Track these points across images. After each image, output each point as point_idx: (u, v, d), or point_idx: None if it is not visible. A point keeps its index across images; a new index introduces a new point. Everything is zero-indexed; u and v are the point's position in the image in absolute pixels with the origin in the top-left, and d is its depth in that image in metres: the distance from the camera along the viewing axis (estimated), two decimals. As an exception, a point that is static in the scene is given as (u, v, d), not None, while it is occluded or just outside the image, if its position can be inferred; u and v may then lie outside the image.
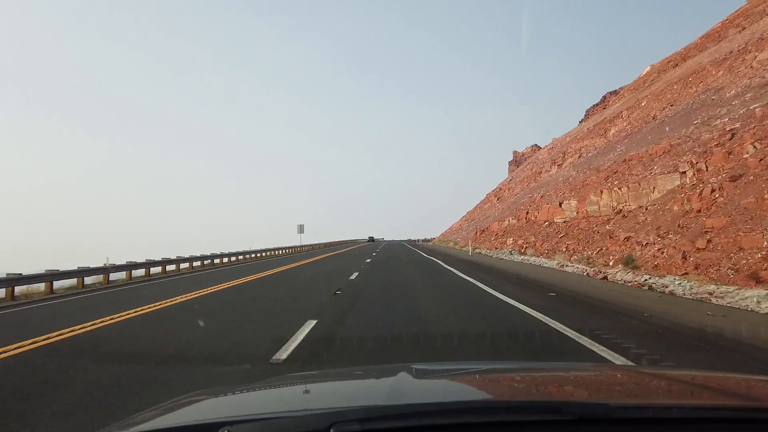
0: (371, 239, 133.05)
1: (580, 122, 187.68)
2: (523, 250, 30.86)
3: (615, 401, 1.54)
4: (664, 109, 37.82)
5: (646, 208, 21.31)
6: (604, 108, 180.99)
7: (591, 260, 19.36)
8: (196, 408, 1.77)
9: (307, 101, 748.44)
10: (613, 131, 46.64)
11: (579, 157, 47.92)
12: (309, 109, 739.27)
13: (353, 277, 18.41)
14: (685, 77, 39.99)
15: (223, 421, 1.24)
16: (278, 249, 46.77)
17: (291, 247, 50.36)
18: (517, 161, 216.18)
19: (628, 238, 18.82)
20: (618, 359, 5.64)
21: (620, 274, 15.36)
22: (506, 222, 43.63)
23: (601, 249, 20.28)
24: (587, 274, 16.73)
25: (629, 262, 16.07)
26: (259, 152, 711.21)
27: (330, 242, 79.73)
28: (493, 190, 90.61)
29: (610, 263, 17.75)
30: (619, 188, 24.88)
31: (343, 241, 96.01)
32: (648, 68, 73.77)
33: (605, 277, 15.29)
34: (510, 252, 32.04)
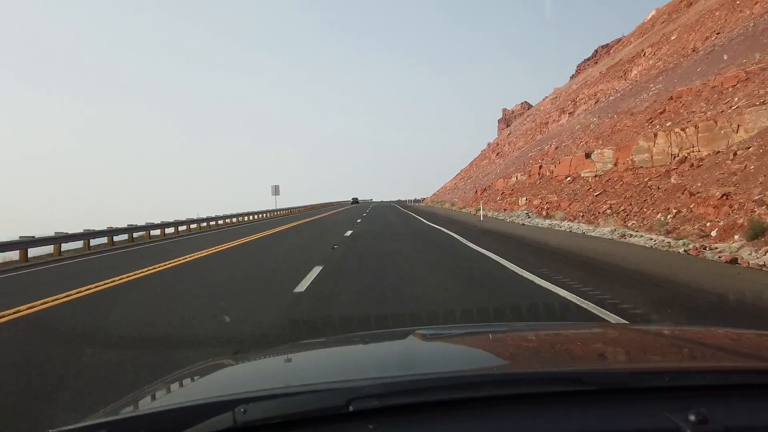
0: (355, 201, 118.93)
1: (571, 77, 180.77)
2: (546, 213, 24.85)
3: (633, 367, 1.57)
4: (707, 38, 31.37)
5: (735, 154, 15.26)
6: (595, 62, 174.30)
7: (674, 229, 13.32)
8: (211, 381, 1.76)
9: (288, 60, 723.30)
10: (636, 71, 40.19)
11: (596, 102, 41.55)
12: (291, 69, 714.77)
13: (309, 278, 9.05)
14: (728, 2, 33.43)
15: (238, 399, 1.21)
16: (240, 215, 39.08)
17: (263, 212, 43.88)
18: (506, 119, 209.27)
19: (727, 196, 12.79)
20: None
21: (753, 253, 9.40)
22: (513, 179, 37.56)
23: (679, 211, 14.25)
24: (686, 251, 10.72)
25: (759, 233, 10.08)
26: (236, 113, 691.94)
27: (311, 205, 72.85)
28: (490, 145, 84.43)
29: (712, 233, 11.74)
30: (682, 129, 18.73)
31: (324, 204, 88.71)
32: (653, 12, 68.91)
33: (734, 259, 9.29)
34: (527, 215, 26.04)
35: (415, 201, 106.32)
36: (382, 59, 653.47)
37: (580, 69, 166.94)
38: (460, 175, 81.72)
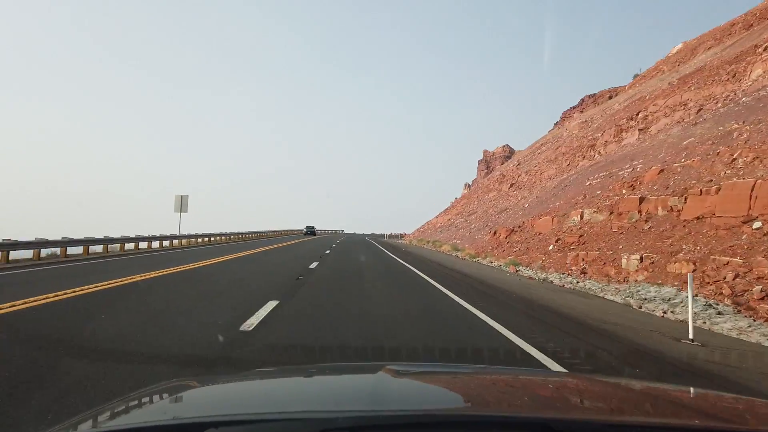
0: (310, 231, 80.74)
1: (555, 124, 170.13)
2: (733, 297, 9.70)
3: (603, 419, 1.57)
4: None
5: None
6: (582, 111, 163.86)
7: None
8: (179, 401, 1.71)
9: (273, 92, 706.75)
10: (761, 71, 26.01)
11: (698, 111, 27.10)
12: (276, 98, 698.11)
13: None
14: None
15: (208, 422, 1.21)
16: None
17: (159, 238, 27.70)
18: (486, 160, 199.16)
19: None
20: None
21: None
22: (575, 218, 22.63)
23: None
24: None
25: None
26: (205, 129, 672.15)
27: (237, 234, 47.38)
28: (493, 176, 70.19)
29: None
30: None
31: (271, 232, 63.86)
32: (681, 45, 60.45)
33: None
34: (660, 293, 10.83)
35: (397, 237, 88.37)
36: (359, 86, 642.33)
37: (564, 116, 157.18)
38: (454, 209, 66.60)
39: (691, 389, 2.35)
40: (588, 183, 27.48)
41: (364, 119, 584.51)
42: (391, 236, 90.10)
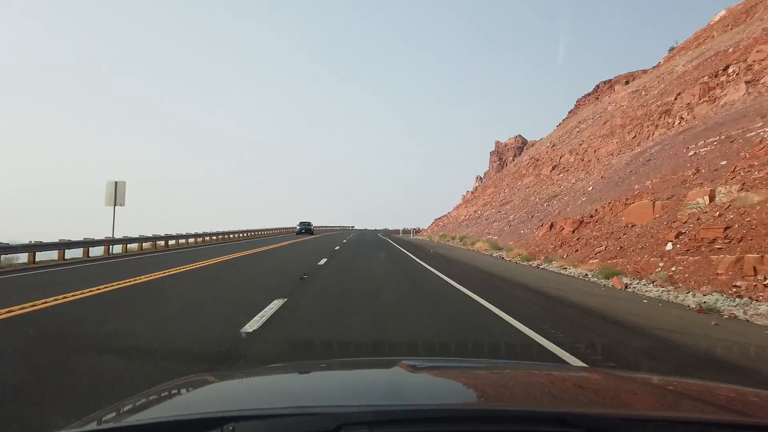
0: (306, 229, 64.53)
1: (569, 112, 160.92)
2: None
3: (619, 413, 1.53)
4: None
5: None
6: (597, 98, 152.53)
7: None
8: (197, 396, 1.72)
9: (272, 79, 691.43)
10: None
11: None
12: (269, 86, 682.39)
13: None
14: None
15: (227, 416, 1.21)
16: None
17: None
18: (499, 152, 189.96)
19: None
20: None
21: None
22: (699, 202, 14.70)
23: None
24: None
25: None
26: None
27: (226, 232, 39.55)
28: (521, 161, 62.23)
29: None
30: None
31: (263, 231, 53.30)
32: (723, 12, 53.42)
33: None
34: None
35: (413, 232, 79.02)
36: (362, 80, 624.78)
37: (579, 103, 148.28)
38: (479, 200, 58.05)
39: (712, 383, 2.34)
40: (691, 153, 19.43)
41: (369, 113, 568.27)
42: (407, 231, 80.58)
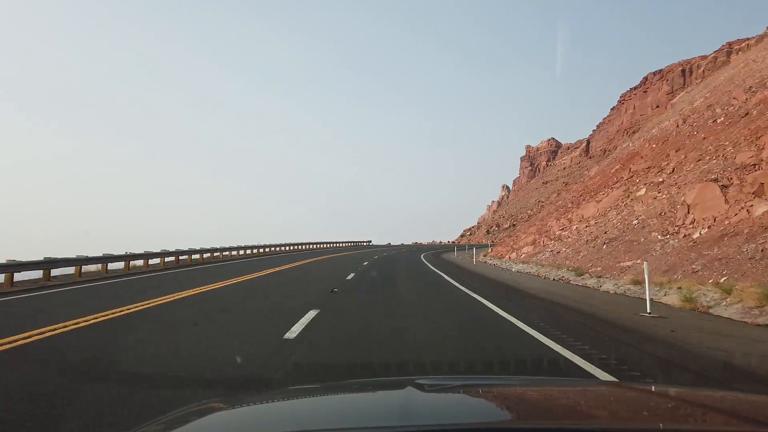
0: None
1: (612, 109, 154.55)
2: None
3: (628, 426, 1.53)
4: None
5: None
6: (645, 91, 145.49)
7: None
8: (206, 424, 1.71)
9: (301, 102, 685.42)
10: None
11: None
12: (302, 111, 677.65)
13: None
14: None
15: None
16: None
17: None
18: (530, 156, 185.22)
19: None
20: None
21: None
22: None
23: None
24: None
25: None
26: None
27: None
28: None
29: None
30: None
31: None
32: None
33: None
34: None
35: (468, 251, 49.65)
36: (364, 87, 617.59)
37: (624, 98, 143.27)
38: (606, 201, 31.14)
39: (742, 394, 2.36)
40: None
41: (382, 118, 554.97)
42: (459, 248, 57.31)
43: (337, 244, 72.39)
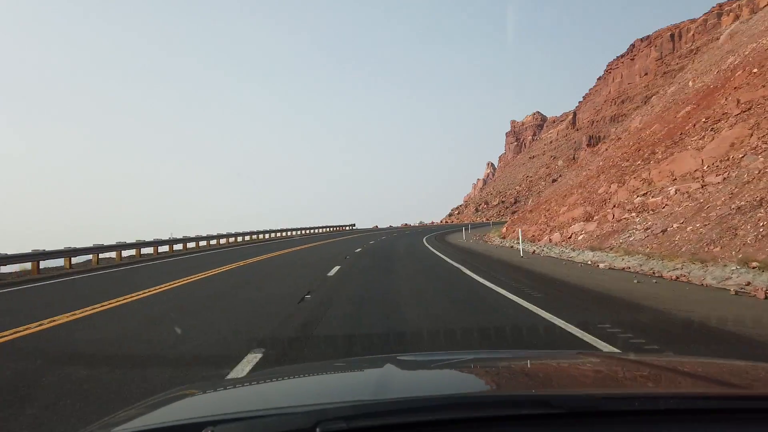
0: None
1: (598, 79, 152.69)
2: None
3: (603, 392, 1.52)
4: None
5: None
6: (632, 59, 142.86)
7: None
8: (179, 406, 1.69)
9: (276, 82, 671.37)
10: None
11: None
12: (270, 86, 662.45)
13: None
14: None
15: (206, 421, 1.22)
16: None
17: None
18: (515, 132, 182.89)
19: None
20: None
21: None
22: None
23: None
24: None
25: None
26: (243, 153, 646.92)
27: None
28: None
29: None
30: None
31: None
32: None
33: None
34: None
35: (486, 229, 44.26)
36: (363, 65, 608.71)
37: (611, 67, 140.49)
38: (711, 162, 18.32)
39: (705, 360, 2.51)
40: None
41: (357, 98, 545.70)
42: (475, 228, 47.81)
43: (311, 231, 57.76)
